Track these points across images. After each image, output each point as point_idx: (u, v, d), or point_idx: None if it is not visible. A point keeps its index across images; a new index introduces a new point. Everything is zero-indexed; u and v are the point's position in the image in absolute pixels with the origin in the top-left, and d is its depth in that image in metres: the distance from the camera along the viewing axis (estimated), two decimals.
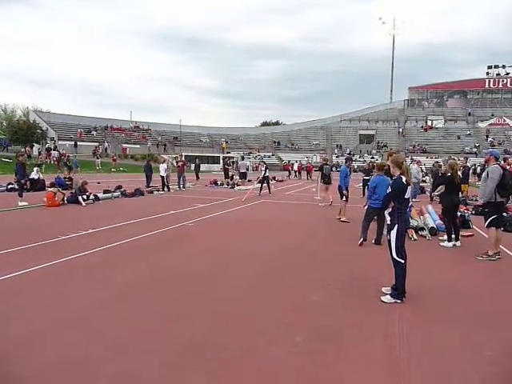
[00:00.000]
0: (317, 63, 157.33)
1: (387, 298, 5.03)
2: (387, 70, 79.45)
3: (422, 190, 19.34)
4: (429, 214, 10.84)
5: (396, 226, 4.99)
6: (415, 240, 8.84)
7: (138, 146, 53.01)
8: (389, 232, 5.10)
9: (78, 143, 46.97)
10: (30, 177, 17.35)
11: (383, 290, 5.25)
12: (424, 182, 21.03)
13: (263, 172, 19.17)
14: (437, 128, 65.43)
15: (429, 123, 66.58)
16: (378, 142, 63.18)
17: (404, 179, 5.05)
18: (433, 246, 8.48)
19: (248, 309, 4.77)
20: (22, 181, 14.25)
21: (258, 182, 19.48)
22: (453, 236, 8.35)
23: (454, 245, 8.28)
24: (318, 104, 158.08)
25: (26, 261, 6.39)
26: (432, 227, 9.55)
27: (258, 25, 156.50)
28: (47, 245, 7.66)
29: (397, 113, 70.17)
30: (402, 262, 5.03)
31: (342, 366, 3.51)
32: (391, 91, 74.60)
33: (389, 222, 5.10)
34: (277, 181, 28.72)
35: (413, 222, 9.93)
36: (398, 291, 5.02)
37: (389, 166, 8.92)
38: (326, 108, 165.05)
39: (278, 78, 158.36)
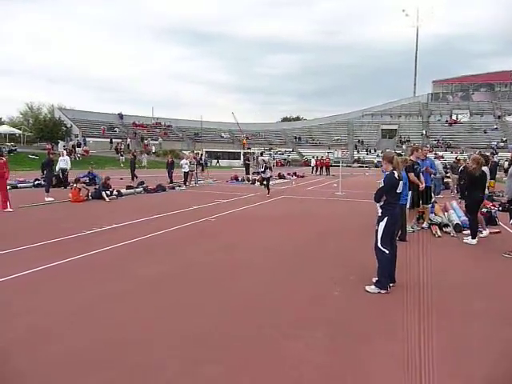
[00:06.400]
0: (334, 56, 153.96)
1: (371, 288, 5.17)
2: (408, 63, 78.01)
3: (446, 186, 18.97)
4: (453, 210, 10.63)
5: (386, 218, 5.16)
6: (439, 237, 8.69)
7: (157, 141, 52.95)
8: (378, 223, 5.24)
9: (102, 139, 47.80)
10: (62, 166, 17.83)
11: (373, 279, 5.31)
12: (448, 177, 20.61)
13: (261, 170, 17.75)
14: (462, 122, 63.98)
15: (453, 117, 65.13)
16: (401, 137, 62.19)
17: (396, 174, 5.21)
18: (457, 242, 8.30)
19: (268, 303, 4.78)
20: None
21: (260, 183, 18.32)
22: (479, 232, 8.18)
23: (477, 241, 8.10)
24: (338, 98, 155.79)
25: (49, 255, 6.53)
26: (457, 224, 9.35)
27: (272, 18, 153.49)
28: (72, 239, 7.83)
29: (420, 107, 68.86)
30: (387, 252, 5.15)
31: (363, 361, 3.49)
32: (414, 85, 73.16)
33: (379, 214, 5.23)
34: (297, 176, 28.69)
35: (437, 219, 9.78)
36: (381, 282, 5.15)
37: (412, 161, 8.86)
38: (346, 103, 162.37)
39: (295, 73, 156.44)
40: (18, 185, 17.43)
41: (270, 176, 18.14)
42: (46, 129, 43.16)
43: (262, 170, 17.45)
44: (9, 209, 11.12)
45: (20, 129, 47.99)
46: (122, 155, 38.58)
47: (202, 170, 25.85)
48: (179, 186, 19.29)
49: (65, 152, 21.85)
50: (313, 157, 41.27)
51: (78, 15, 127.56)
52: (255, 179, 23.73)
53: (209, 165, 29.96)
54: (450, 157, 44.19)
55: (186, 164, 19.83)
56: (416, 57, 72.61)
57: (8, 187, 13.48)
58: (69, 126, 47.26)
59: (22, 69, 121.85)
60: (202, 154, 32.50)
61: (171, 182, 20.11)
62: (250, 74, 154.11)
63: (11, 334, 3.87)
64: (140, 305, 4.69)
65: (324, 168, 34.50)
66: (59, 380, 3.18)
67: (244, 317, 4.38)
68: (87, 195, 14.04)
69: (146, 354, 3.53)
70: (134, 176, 21.25)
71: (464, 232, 8.80)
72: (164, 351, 3.60)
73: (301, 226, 9.98)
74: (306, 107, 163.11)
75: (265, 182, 17.10)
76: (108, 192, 14.32)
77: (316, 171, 35.13)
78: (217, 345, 3.74)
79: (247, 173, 27.38)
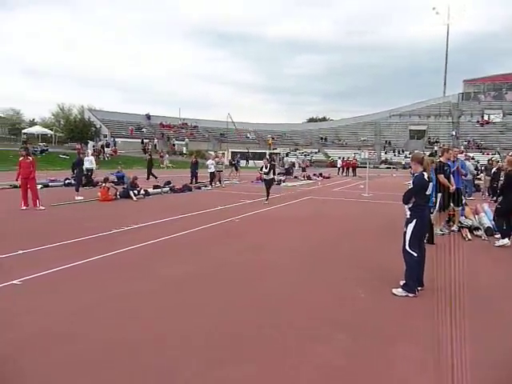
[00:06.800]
0: (361, 56, 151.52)
1: (398, 291, 5.08)
2: (437, 62, 75.94)
3: (477, 188, 18.45)
4: (485, 214, 10.32)
5: (415, 220, 5.06)
6: (469, 240, 8.45)
7: (183, 142, 53.44)
8: (406, 225, 5.15)
9: (130, 140, 48.70)
10: (88, 166, 17.80)
11: (400, 282, 5.20)
12: (479, 179, 20.05)
13: (265, 171, 14.58)
14: (494, 123, 62.11)
15: (485, 117, 63.30)
16: (429, 138, 60.85)
17: (426, 176, 5.13)
18: (488, 246, 8.06)
19: (292, 305, 4.75)
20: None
21: (267, 186, 14.76)
22: None
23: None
24: (365, 99, 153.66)
25: (76, 254, 6.64)
26: (488, 227, 9.06)
27: (298, 18, 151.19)
28: (100, 238, 7.99)
29: (450, 107, 67.22)
30: (415, 255, 5.06)
31: (384, 364, 3.42)
32: (444, 84, 71.47)
33: (408, 216, 5.15)
34: (323, 177, 28.55)
35: (467, 222, 9.52)
36: (409, 285, 5.04)
37: (441, 162, 8.65)
38: (373, 103, 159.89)
39: (321, 73, 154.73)
40: (50, 184, 17.97)
41: (273, 179, 15.50)
42: (77, 129, 44.49)
43: (266, 170, 14.49)
44: (41, 207, 11.45)
45: (52, 129, 49.49)
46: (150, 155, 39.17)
47: (236, 170, 26.02)
48: (205, 187, 19.46)
49: (89, 152, 22.39)
50: (339, 157, 40.85)
51: (102, 18, 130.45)
52: (280, 180, 23.70)
53: (241, 165, 30.28)
54: (482, 158, 43.00)
55: (212, 164, 19.98)
56: (446, 56, 70.94)
57: (39, 186, 13.94)
58: (98, 126, 48.43)
59: (54, 71, 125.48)
60: (234, 155, 32.76)
61: (195, 182, 20.30)
62: (277, 74, 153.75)
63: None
64: (161, 304, 4.71)
65: (350, 169, 34.11)
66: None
67: (269, 317, 4.36)
68: (115, 194, 14.33)
69: (158, 355, 3.56)
70: (149, 176, 21.77)
71: (496, 236, 8.52)
72: (205, 350, 3.61)
73: (326, 228, 9.89)
74: (332, 107, 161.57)
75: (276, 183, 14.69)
76: (135, 191, 14.58)
77: (342, 172, 34.77)
78: (244, 347, 3.74)
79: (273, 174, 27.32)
